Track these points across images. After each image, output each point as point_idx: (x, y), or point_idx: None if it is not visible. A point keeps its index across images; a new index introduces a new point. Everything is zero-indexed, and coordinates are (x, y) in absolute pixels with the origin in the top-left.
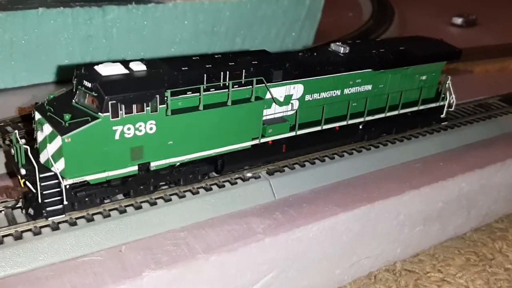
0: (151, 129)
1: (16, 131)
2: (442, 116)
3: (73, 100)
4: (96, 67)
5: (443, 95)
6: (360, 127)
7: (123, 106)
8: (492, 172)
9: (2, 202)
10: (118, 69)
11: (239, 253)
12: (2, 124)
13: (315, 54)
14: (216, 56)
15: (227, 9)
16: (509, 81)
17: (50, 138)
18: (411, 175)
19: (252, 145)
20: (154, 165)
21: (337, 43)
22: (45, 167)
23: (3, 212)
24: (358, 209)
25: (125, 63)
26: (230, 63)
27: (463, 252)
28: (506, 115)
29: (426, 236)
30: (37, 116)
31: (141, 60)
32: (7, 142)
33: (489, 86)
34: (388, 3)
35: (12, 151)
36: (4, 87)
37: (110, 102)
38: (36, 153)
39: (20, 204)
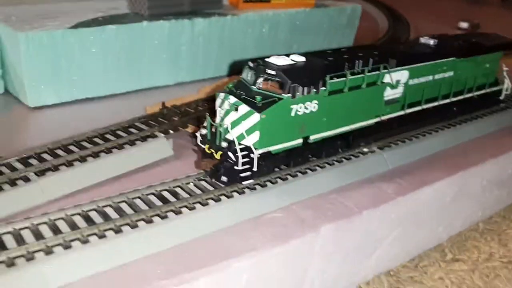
0: (314, 107)
1: (207, 114)
2: (501, 98)
3: (253, 86)
4: (268, 59)
5: (499, 81)
6: (454, 108)
7: (299, 88)
8: None
9: (187, 177)
10: (285, 61)
11: (381, 209)
12: (145, 119)
13: (412, 46)
14: (342, 50)
15: (286, 18)
16: None
17: (246, 116)
18: (487, 147)
19: (375, 123)
20: (312, 138)
21: (426, 37)
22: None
23: (192, 183)
24: (456, 174)
25: (287, 55)
26: (359, 54)
27: None
28: None
29: (498, 200)
30: (233, 99)
31: (297, 53)
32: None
33: None
34: (397, 12)
35: (203, 131)
36: (114, 92)
37: (291, 85)
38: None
39: (203, 177)
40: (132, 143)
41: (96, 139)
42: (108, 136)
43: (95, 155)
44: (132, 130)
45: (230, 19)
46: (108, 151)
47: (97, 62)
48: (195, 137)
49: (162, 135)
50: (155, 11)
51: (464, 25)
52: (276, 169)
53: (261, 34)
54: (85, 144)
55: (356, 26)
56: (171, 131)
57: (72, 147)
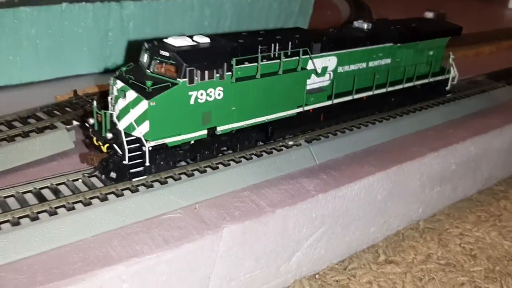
0: (219, 95)
1: (95, 101)
2: (447, 88)
3: (148, 70)
4: (166, 40)
5: (445, 70)
6: (393, 99)
7: (198, 73)
8: (494, 136)
9: (77, 172)
10: (186, 41)
11: (298, 207)
12: (49, 108)
13: (343, 30)
14: (260, 32)
15: (230, 2)
16: (487, 63)
17: (134, 103)
18: (428, 140)
19: (297, 113)
20: (219, 129)
21: (360, 21)
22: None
23: (80, 180)
24: (390, 169)
25: (189, 36)
26: (277, 36)
27: (473, 211)
28: (496, 89)
29: (441, 197)
30: (119, 84)
31: (203, 34)
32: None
33: (472, 67)
34: (362, 2)
35: (90, 121)
36: (31, 80)
37: (188, 69)
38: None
39: (95, 172)
40: (25, 134)
41: None
42: (1, 127)
43: None
44: (31, 120)
45: (164, 2)
46: None
47: (9, 48)
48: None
49: (63, 126)
50: None
51: (429, 15)
52: (183, 163)
53: (202, 20)
54: None
55: (309, 13)
56: (75, 122)
57: None
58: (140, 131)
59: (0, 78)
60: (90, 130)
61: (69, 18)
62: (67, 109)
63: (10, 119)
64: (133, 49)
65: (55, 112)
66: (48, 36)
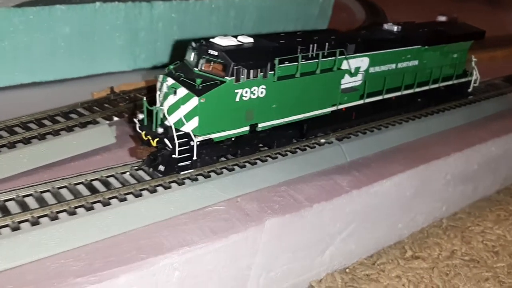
0: (261, 93)
1: (145, 97)
2: (469, 90)
3: (195, 68)
4: (213, 40)
5: (468, 72)
6: (419, 99)
7: (244, 71)
8: None
9: (124, 165)
10: (232, 41)
11: (334, 202)
12: (89, 104)
13: (374, 32)
14: (297, 33)
15: (253, 5)
16: (502, 67)
17: (184, 100)
18: (452, 140)
19: (331, 111)
20: (260, 126)
21: (389, 24)
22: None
23: (128, 173)
24: (418, 167)
25: (234, 36)
26: (314, 37)
27: (493, 209)
28: None
29: (463, 196)
30: (170, 81)
31: (246, 35)
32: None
33: (488, 70)
34: (376, 5)
35: (140, 116)
36: (64, 77)
37: (235, 68)
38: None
39: (142, 166)
40: (69, 129)
41: (31, 125)
42: (45, 121)
43: (26, 141)
44: (73, 115)
45: (193, 3)
46: (42, 137)
47: (44, 45)
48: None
49: (105, 121)
50: None
51: (442, 19)
52: (223, 159)
53: (227, 21)
54: (17, 129)
55: (328, 16)
56: (115, 118)
57: (1, 133)
58: (189, 127)
59: (36, 74)
60: (138, 125)
61: (101, 17)
62: (106, 105)
63: (52, 114)
64: (162, 48)
65: (95, 108)
66: (81, 34)
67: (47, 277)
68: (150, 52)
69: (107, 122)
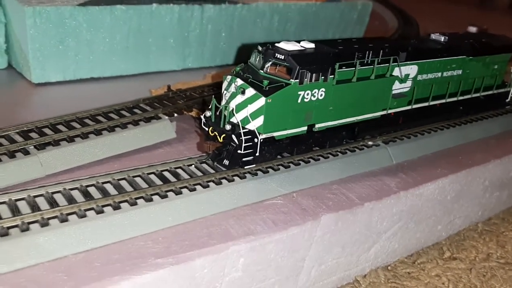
0: (321, 95)
1: (213, 96)
2: (507, 100)
3: (261, 70)
4: (278, 44)
5: (506, 83)
6: (461, 107)
7: (308, 75)
8: None
9: (189, 159)
10: (296, 46)
11: (383, 202)
12: (150, 101)
13: (423, 41)
14: (353, 39)
15: (296, 10)
16: None
17: (252, 99)
18: (491, 148)
19: (381, 115)
20: (317, 126)
21: (437, 34)
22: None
23: (193, 165)
24: (460, 172)
25: (297, 41)
26: (369, 44)
27: None
28: None
29: (498, 202)
30: (239, 81)
31: (307, 40)
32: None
33: None
34: (407, 14)
35: (207, 113)
36: (121, 74)
37: (300, 71)
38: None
39: (205, 159)
40: (135, 123)
41: (99, 117)
42: (112, 115)
43: (98, 132)
44: (136, 110)
45: (240, 8)
46: (111, 129)
47: (104, 42)
48: (200, 120)
49: (166, 117)
50: None
51: (472, 29)
52: (279, 156)
53: (271, 25)
54: (87, 121)
55: (366, 23)
56: (175, 114)
57: (74, 124)
58: (254, 124)
59: (95, 70)
60: (203, 121)
61: (157, 18)
62: (165, 102)
63: (118, 108)
64: (209, 49)
65: (156, 104)
66: (138, 33)
67: (130, 257)
68: (199, 53)
69: (168, 118)
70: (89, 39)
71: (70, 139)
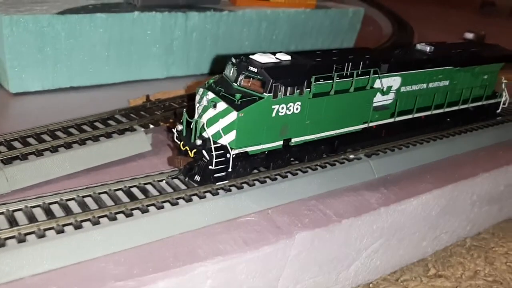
0: (297, 109)
1: (184, 109)
2: (498, 111)
3: (235, 83)
4: (252, 56)
5: (497, 93)
6: (448, 119)
7: (282, 88)
8: None
9: (160, 173)
10: (270, 58)
11: (362, 218)
12: (126, 112)
13: (407, 52)
14: (333, 51)
15: (285, 18)
16: None
17: (224, 113)
18: (480, 161)
19: (362, 129)
20: (294, 141)
21: (422, 43)
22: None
23: (164, 181)
24: (445, 187)
25: (272, 53)
26: (349, 56)
27: None
28: None
29: (488, 216)
30: (211, 95)
31: (284, 52)
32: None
33: None
34: (403, 20)
35: (179, 127)
36: (102, 83)
37: (274, 84)
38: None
39: (177, 174)
40: (108, 135)
41: (72, 130)
42: (85, 127)
43: (68, 145)
44: (111, 122)
45: (226, 15)
46: (82, 142)
47: (83, 51)
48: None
49: (142, 129)
50: (148, 2)
51: (469, 35)
52: (255, 171)
53: (259, 33)
54: (59, 134)
55: (357, 30)
56: (151, 126)
57: (44, 136)
58: (226, 139)
59: (75, 79)
60: (176, 135)
61: (139, 26)
62: (142, 113)
63: (92, 120)
64: (194, 58)
65: (132, 115)
66: (119, 41)
67: (89, 279)
68: (183, 62)
69: (143, 129)
70: (68, 48)
71: (39, 153)
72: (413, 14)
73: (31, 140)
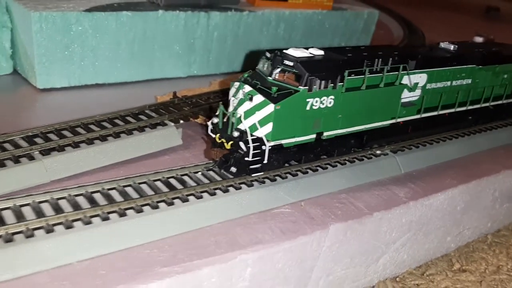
0: (330, 103)
1: (221, 102)
2: None
3: (269, 77)
4: (287, 51)
5: None
6: (470, 117)
7: (317, 82)
8: None
9: (195, 166)
10: (305, 53)
11: (392, 212)
12: (156, 107)
13: (432, 50)
14: (361, 47)
15: (303, 19)
16: None
17: (260, 106)
18: (501, 158)
19: (390, 124)
20: (325, 134)
21: (446, 42)
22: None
23: (200, 173)
24: (470, 183)
25: (305, 48)
26: (379, 52)
27: None
28: None
29: (508, 213)
30: (248, 88)
31: (316, 47)
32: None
33: None
34: (413, 24)
35: (215, 120)
36: (125, 80)
37: (309, 78)
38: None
39: (212, 166)
40: (141, 129)
41: (105, 123)
42: (117, 121)
43: (103, 138)
44: (142, 117)
45: (246, 15)
46: (116, 135)
47: (109, 48)
48: (206, 127)
49: (172, 123)
50: (171, 1)
51: (479, 39)
52: (286, 164)
53: (277, 33)
54: (92, 127)
55: (372, 32)
56: (181, 121)
57: (79, 129)
58: (262, 132)
59: (100, 76)
60: (210, 128)
61: (163, 24)
62: (171, 108)
63: (123, 114)
64: (214, 57)
65: (161, 110)
66: (143, 40)
67: (136, 265)
68: (204, 60)
69: (173, 124)
70: (94, 45)
71: (75, 145)
72: (420, 18)
73: (66, 132)
